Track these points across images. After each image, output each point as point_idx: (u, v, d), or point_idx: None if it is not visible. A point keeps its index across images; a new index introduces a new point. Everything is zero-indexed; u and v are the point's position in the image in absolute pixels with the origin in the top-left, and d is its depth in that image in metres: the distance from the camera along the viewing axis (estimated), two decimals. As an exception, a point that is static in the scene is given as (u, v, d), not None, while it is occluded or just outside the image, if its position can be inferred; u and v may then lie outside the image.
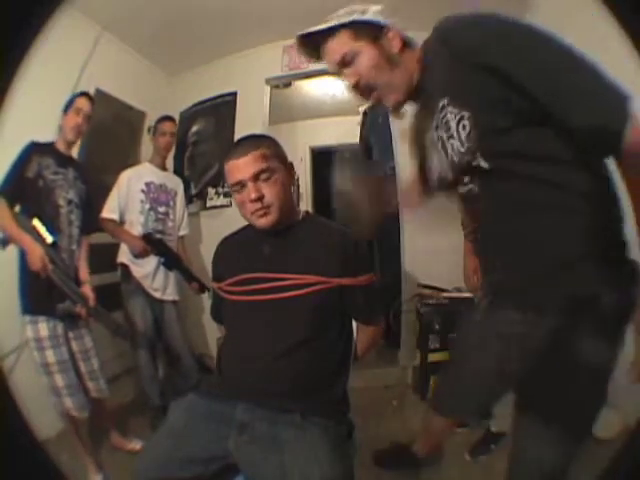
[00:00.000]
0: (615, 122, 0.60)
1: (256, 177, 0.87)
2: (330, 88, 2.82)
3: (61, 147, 1.49)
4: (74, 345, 1.46)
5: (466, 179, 0.77)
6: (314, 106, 3.04)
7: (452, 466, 1.28)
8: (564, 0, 1.75)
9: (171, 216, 1.93)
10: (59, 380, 1.37)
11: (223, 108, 2.53)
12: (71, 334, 1.45)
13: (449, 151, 0.74)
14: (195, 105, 2.61)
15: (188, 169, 2.60)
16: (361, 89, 0.80)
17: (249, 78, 2.50)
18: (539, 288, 0.72)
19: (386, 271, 2.40)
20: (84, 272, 1.49)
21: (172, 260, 1.85)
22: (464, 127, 0.69)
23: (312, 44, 0.82)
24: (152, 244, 1.78)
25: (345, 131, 2.94)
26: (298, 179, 3.16)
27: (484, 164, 0.70)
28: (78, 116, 1.47)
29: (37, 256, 1.29)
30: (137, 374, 1.84)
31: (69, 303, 1.38)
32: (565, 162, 0.68)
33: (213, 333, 2.22)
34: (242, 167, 0.88)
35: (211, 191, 2.51)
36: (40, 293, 1.35)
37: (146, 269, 1.80)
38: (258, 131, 2.21)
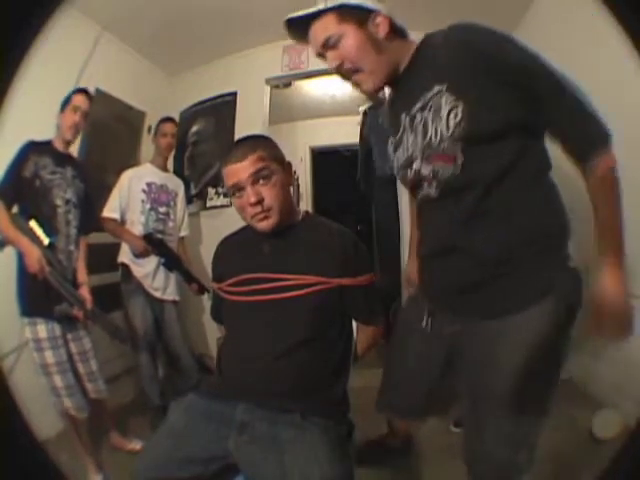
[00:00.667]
0: (596, 143, 0.71)
1: (254, 179, 0.87)
2: (330, 88, 2.82)
3: (59, 146, 1.48)
4: (72, 346, 1.45)
5: (426, 183, 0.81)
6: (314, 106, 3.04)
7: (452, 465, 1.29)
8: (564, 0, 1.74)
9: (172, 216, 1.93)
10: (58, 381, 1.37)
11: (223, 108, 2.53)
12: (69, 335, 1.44)
13: (429, 132, 0.76)
14: (195, 105, 2.61)
15: (188, 169, 2.60)
16: (344, 71, 0.81)
17: (249, 78, 2.50)
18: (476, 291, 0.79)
19: (386, 271, 2.40)
20: (82, 273, 1.48)
21: (172, 261, 1.85)
22: (456, 115, 0.71)
23: (301, 28, 0.82)
24: (153, 244, 1.79)
25: (345, 131, 2.94)
26: (298, 179, 3.16)
27: (459, 156, 0.74)
28: (75, 114, 1.45)
29: (34, 258, 1.28)
30: (137, 374, 1.84)
31: (67, 305, 1.37)
32: (525, 174, 0.75)
33: (213, 333, 2.22)
34: (240, 170, 0.88)
35: (211, 191, 2.51)
36: (38, 295, 1.34)
37: (146, 269, 1.80)
38: (258, 131, 2.22)
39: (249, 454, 0.82)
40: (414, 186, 0.87)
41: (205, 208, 2.51)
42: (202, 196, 2.53)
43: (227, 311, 1.01)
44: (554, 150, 0.78)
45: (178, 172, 2.40)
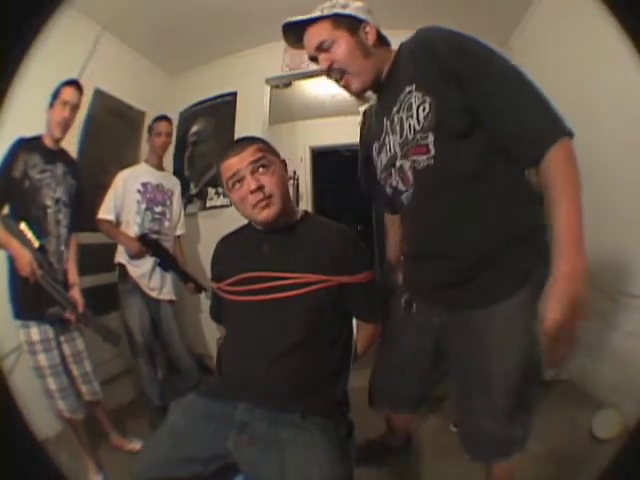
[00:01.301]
0: (541, 139, 0.70)
1: (254, 168, 0.88)
2: (330, 88, 2.81)
3: (49, 142, 1.43)
4: (66, 348, 1.44)
5: (408, 182, 0.86)
6: (314, 106, 3.04)
7: (452, 465, 1.29)
8: (564, 0, 1.75)
9: (168, 216, 1.93)
10: (51, 383, 1.36)
11: (223, 108, 2.53)
12: (62, 337, 1.43)
13: (405, 129, 0.84)
14: (195, 105, 2.61)
15: (188, 169, 2.60)
16: (334, 72, 0.88)
17: (249, 78, 2.50)
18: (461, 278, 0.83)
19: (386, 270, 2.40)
20: (73, 274, 1.46)
21: (168, 261, 1.85)
22: (424, 109, 0.79)
23: (297, 33, 0.90)
24: (148, 245, 1.78)
25: (345, 131, 2.94)
26: (298, 179, 3.16)
27: (432, 148, 0.80)
28: (64, 110, 1.39)
29: (26, 262, 1.27)
30: (136, 374, 1.84)
31: (59, 308, 1.36)
32: (491, 164, 0.79)
33: (211, 333, 2.22)
34: (239, 161, 0.88)
35: (211, 191, 2.51)
36: (29, 298, 1.33)
37: (143, 269, 1.80)
38: (258, 131, 2.22)
39: (249, 454, 0.82)
40: (394, 193, 0.93)
41: (205, 208, 2.51)
42: (202, 196, 2.53)
43: (226, 311, 1.01)
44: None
45: (178, 172, 2.40)
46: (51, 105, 1.41)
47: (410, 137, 0.82)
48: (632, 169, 1.42)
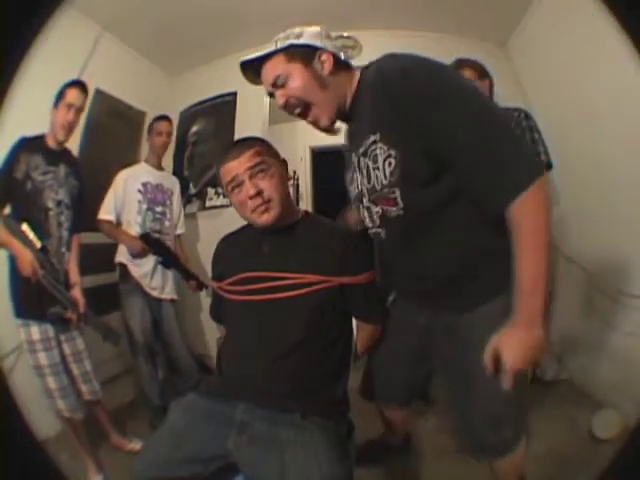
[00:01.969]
0: (505, 191, 0.68)
1: (252, 173, 0.88)
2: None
3: (51, 143, 1.43)
4: (66, 347, 1.44)
5: (376, 223, 0.86)
6: (314, 106, 3.04)
7: (452, 465, 1.29)
8: (564, 0, 1.75)
9: (168, 215, 1.93)
10: (51, 382, 1.36)
11: (223, 108, 2.53)
12: (63, 336, 1.43)
13: (372, 178, 0.81)
14: (195, 105, 2.61)
15: (188, 169, 2.59)
16: (290, 108, 0.84)
17: (249, 78, 2.49)
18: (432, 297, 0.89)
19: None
20: (74, 274, 1.46)
21: (170, 259, 1.86)
22: (390, 164, 0.76)
23: (255, 69, 0.88)
24: (150, 244, 1.79)
25: (345, 131, 2.94)
26: (298, 179, 3.16)
27: (400, 202, 0.78)
28: (69, 112, 1.40)
29: (27, 262, 1.27)
30: (136, 374, 1.84)
31: (60, 308, 1.36)
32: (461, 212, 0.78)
33: (212, 333, 2.22)
34: (237, 166, 0.88)
35: (210, 191, 2.50)
36: (31, 298, 1.33)
37: (144, 268, 1.80)
38: (258, 131, 2.22)
39: (249, 454, 0.82)
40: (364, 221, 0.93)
41: (204, 208, 2.51)
42: (202, 196, 2.52)
43: (227, 310, 1.01)
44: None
45: (178, 172, 2.39)
46: (55, 106, 1.41)
47: (378, 188, 0.81)
48: (632, 169, 1.42)
